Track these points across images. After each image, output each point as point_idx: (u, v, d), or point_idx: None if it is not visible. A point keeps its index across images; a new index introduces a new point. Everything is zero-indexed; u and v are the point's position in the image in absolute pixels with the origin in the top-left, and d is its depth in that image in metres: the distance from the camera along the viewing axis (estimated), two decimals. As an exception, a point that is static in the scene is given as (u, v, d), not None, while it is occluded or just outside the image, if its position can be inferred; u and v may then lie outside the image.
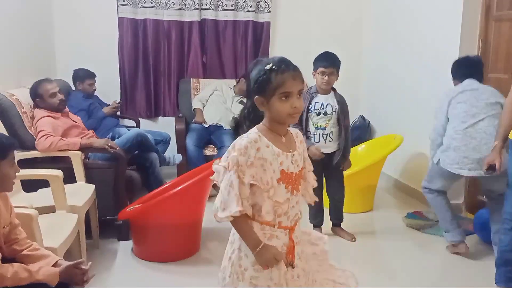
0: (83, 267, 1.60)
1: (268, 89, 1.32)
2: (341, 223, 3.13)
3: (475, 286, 2.47)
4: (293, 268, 1.40)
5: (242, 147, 1.34)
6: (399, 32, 4.20)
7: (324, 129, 2.87)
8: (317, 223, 3.03)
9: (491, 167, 2.40)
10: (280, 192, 1.38)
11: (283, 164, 1.37)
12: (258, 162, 1.34)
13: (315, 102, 2.87)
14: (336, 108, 2.87)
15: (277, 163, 1.36)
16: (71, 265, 1.58)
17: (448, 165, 2.69)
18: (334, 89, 2.92)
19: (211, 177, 1.43)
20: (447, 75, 2.94)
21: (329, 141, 2.88)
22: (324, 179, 3.03)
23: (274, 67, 1.32)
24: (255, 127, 1.40)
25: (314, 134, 2.88)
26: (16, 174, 2.43)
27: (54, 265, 1.60)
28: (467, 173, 2.64)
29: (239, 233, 1.39)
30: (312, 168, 1.53)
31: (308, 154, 1.58)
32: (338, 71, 2.85)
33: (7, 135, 1.60)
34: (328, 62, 2.80)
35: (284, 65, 1.33)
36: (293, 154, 1.40)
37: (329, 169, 2.96)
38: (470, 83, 2.73)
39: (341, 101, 2.91)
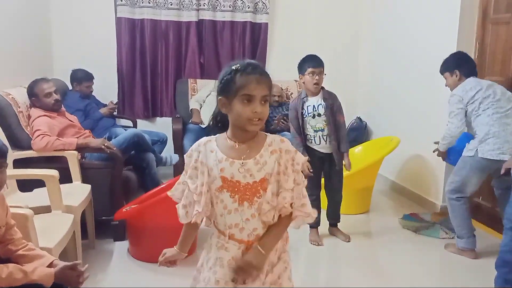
0: (79, 268, 1.59)
1: (231, 90, 1.28)
2: (338, 224, 3.14)
3: (471, 287, 2.48)
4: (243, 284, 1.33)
5: (188, 151, 1.39)
6: (396, 33, 4.20)
7: (323, 130, 2.90)
8: (314, 224, 3.03)
9: (508, 171, 2.41)
10: (225, 200, 1.32)
11: (224, 171, 1.30)
12: (200, 167, 1.34)
13: (307, 106, 2.91)
14: (327, 106, 2.89)
15: (217, 169, 1.31)
16: (67, 266, 1.57)
17: (489, 153, 2.65)
18: (322, 88, 2.94)
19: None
20: (444, 78, 2.95)
21: (329, 142, 2.91)
22: (323, 180, 3.04)
23: (240, 67, 1.28)
24: (219, 134, 1.38)
25: (314, 137, 2.92)
26: (12, 173, 2.44)
27: (50, 265, 1.60)
28: (509, 157, 2.59)
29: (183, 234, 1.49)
30: (291, 186, 1.33)
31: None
32: (324, 71, 2.90)
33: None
34: (316, 62, 2.84)
35: (251, 67, 1.28)
36: (244, 163, 1.30)
37: (330, 169, 2.98)
38: (477, 80, 2.78)
39: (330, 97, 2.92)
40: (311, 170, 2.79)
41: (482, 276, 2.54)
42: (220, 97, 1.32)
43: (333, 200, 3.10)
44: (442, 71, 2.95)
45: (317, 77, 2.83)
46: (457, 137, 2.81)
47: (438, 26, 3.56)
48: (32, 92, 3.00)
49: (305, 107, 2.90)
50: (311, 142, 2.93)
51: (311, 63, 2.84)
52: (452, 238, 3.09)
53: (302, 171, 1.40)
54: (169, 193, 1.44)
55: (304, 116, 2.90)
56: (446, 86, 2.96)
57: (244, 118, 1.27)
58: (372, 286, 2.50)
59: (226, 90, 1.30)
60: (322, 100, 2.89)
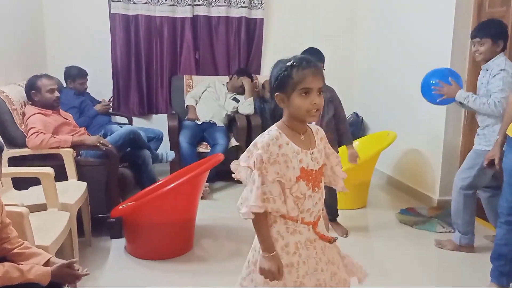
0: (76, 266, 1.58)
1: (288, 85, 1.35)
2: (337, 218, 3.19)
3: (468, 281, 2.49)
4: (335, 241, 1.51)
5: (264, 145, 1.36)
6: (392, 29, 4.20)
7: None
8: (334, 218, 3.13)
9: (491, 163, 2.41)
10: (301, 189, 1.40)
11: (302, 162, 1.39)
12: (282, 159, 1.37)
13: None
14: (325, 100, 2.88)
15: (296, 161, 1.38)
16: (64, 264, 1.56)
17: None
18: None
19: (233, 175, 1.48)
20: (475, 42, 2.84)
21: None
22: None
23: (295, 63, 1.35)
24: (274, 124, 1.42)
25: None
26: (7, 172, 2.42)
27: (46, 263, 1.58)
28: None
29: (256, 232, 1.41)
30: (339, 160, 1.54)
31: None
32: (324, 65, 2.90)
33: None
34: (318, 56, 2.83)
35: (306, 62, 1.36)
36: (313, 152, 1.42)
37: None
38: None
39: (328, 91, 2.90)
40: None
41: (478, 269, 2.54)
42: (277, 93, 1.38)
43: (330, 197, 3.09)
44: (482, 35, 2.59)
45: None
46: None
47: (434, 20, 3.55)
48: (34, 86, 2.97)
49: None
50: None
51: (316, 56, 2.80)
52: (449, 232, 3.11)
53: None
54: (251, 210, 1.36)
55: None
56: (474, 52, 2.69)
57: (303, 111, 1.35)
58: (370, 286, 2.50)
59: (283, 86, 1.36)
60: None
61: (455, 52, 3.35)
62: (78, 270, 1.59)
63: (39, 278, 1.49)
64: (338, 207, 3.16)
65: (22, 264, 1.53)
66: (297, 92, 1.35)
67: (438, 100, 2.80)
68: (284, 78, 1.35)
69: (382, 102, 4.41)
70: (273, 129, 1.40)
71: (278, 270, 1.38)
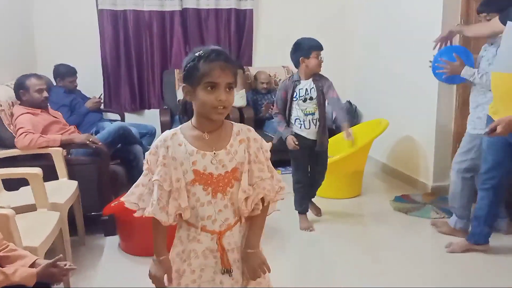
0: (62, 264, 1.57)
1: (194, 77, 1.24)
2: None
3: (464, 268, 2.49)
4: (230, 275, 1.34)
5: (153, 147, 1.31)
6: (383, 18, 4.17)
7: (313, 114, 2.88)
8: (302, 210, 3.04)
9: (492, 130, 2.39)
10: (197, 193, 1.30)
11: (196, 164, 1.27)
12: (169, 162, 1.27)
13: (299, 89, 2.87)
14: (320, 88, 2.87)
15: (189, 163, 1.26)
16: (49, 264, 1.55)
17: None
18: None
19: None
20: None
21: (318, 126, 2.90)
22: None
23: (203, 54, 1.24)
24: (181, 125, 1.34)
25: (304, 121, 2.89)
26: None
27: (32, 265, 1.58)
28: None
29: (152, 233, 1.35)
30: (268, 175, 1.34)
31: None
32: None
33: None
34: (319, 44, 2.85)
35: (215, 54, 1.24)
36: (216, 154, 1.28)
37: (316, 154, 2.98)
38: None
39: (321, 80, 2.90)
40: (297, 143, 2.82)
41: (474, 256, 2.56)
42: (184, 85, 1.28)
43: (316, 183, 3.11)
44: (489, 10, 2.53)
45: (322, 60, 2.86)
46: None
47: (423, 8, 3.52)
48: (22, 85, 2.95)
49: (296, 90, 2.87)
50: (300, 127, 2.89)
51: (317, 46, 2.83)
52: (443, 218, 3.11)
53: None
54: (125, 199, 1.35)
55: (295, 98, 2.87)
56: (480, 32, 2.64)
57: (208, 106, 1.24)
58: (364, 270, 2.50)
59: (189, 78, 1.26)
60: (313, 83, 2.87)
61: (445, 26, 3.30)
62: (65, 266, 1.58)
63: (25, 280, 1.49)
64: (332, 197, 3.14)
65: (6, 267, 1.52)
66: (202, 86, 1.23)
67: (443, 78, 2.74)
68: (191, 69, 1.24)
69: (375, 90, 4.39)
70: (171, 130, 1.32)
71: (163, 276, 1.33)
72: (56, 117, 3.13)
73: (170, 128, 4.26)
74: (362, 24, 4.57)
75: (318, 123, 2.89)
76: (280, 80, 4.68)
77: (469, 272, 2.45)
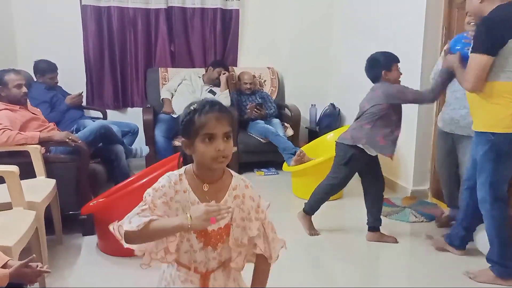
0: (34, 265, 1.54)
1: (191, 131, 1.25)
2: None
3: (442, 269, 2.53)
4: None
5: (158, 186, 1.28)
6: (366, 20, 4.20)
7: None
8: (311, 212, 2.99)
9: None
10: (191, 240, 1.30)
11: None
12: (174, 205, 1.27)
13: None
14: None
15: (189, 211, 1.22)
16: (22, 264, 1.52)
17: None
18: None
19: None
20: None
21: None
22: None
23: (197, 107, 1.25)
24: (184, 166, 1.33)
25: None
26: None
27: (4, 266, 1.54)
28: None
29: (161, 231, 1.23)
30: (254, 233, 1.33)
31: None
32: None
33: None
34: (397, 57, 2.77)
35: (209, 106, 1.25)
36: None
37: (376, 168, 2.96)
38: None
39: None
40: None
41: (457, 260, 2.60)
42: (183, 140, 1.30)
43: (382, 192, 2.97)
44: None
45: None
46: None
47: (406, 13, 3.56)
48: (1, 80, 2.88)
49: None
50: None
51: (396, 58, 2.75)
52: (421, 222, 3.15)
53: None
54: (127, 226, 1.23)
55: None
56: (467, 23, 2.65)
57: (208, 158, 1.24)
58: (340, 274, 2.52)
59: (187, 132, 1.27)
60: None
61: (426, 43, 3.37)
62: (37, 267, 1.55)
63: (-2, 281, 1.47)
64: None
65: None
66: (200, 138, 1.23)
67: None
68: (187, 123, 1.26)
69: (358, 94, 4.39)
70: (175, 173, 1.30)
71: (203, 212, 1.18)
72: (35, 114, 3.08)
73: (153, 127, 4.22)
74: (346, 28, 4.60)
75: None
76: (265, 81, 4.69)
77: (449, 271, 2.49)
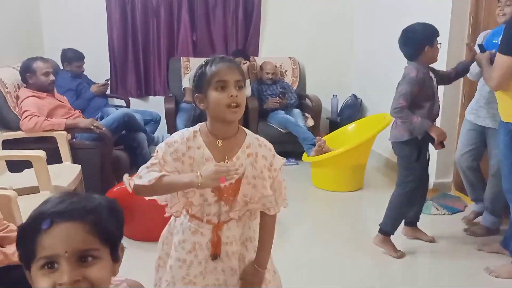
0: None
1: (204, 82, 1.28)
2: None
3: (465, 262, 2.50)
4: (215, 259, 1.38)
5: (171, 140, 1.32)
6: (390, 10, 4.12)
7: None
8: (390, 231, 2.60)
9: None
10: (205, 194, 1.33)
11: None
12: (187, 161, 1.31)
13: (433, 79, 2.47)
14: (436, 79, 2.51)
15: (204, 166, 1.28)
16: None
17: None
18: None
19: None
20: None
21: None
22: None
23: (208, 60, 1.30)
24: (198, 124, 1.36)
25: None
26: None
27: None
28: None
29: (170, 187, 1.28)
30: (269, 193, 1.35)
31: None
32: None
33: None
34: (438, 32, 2.43)
35: (219, 58, 1.30)
36: (227, 164, 1.29)
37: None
38: None
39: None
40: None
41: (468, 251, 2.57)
42: (196, 95, 1.32)
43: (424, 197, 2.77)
44: None
45: (440, 48, 2.45)
46: None
47: (432, 2, 3.48)
48: (29, 68, 2.98)
49: (434, 81, 2.45)
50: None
51: (438, 32, 2.40)
52: (443, 215, 3.11)
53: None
54: (137, 180, 1.28)
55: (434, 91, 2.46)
56: (498, 13, 2.51)
57: (222, 106, 1.26)
58: (359, 264, 2.51)
59: (199, 85, 1.30)
60: (432, 74, 2.48)
61: (453, 32, 3.29)
62: None
63: (24, 261, 1.51)
64: (333, 190, 3.03)
65: (6, 247, 1.54)
66: (212, 87, 1.26)
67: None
68: (199, 77, 1.30)
69: (381, 84, 4.36)
70: (190, 130, 1.34)
71: (212, 171, 1.23)
72: (61, 101, 3.16)
73: (175, 116, 4.28)
74: (369, 18, 4.53)
75: None
76: (286, 71, 4.68)
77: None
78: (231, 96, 1.25)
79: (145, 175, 1.27)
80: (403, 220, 2.70)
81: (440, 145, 2.45)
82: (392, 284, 2.37)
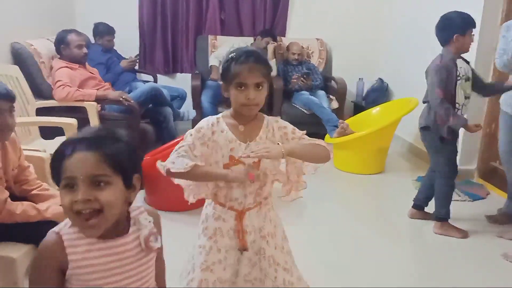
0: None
1: (228, 77, 1.37)
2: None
3: (477, 252, 2.50)
4: (243, 251, 1.43)
5: (198, 127, 1.41)
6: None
7: (469, 98, 2.49)
8: (447, 215, 2.61)
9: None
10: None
11: (233, 151, 1.38)
12: (211, 144, 1.38)
13: (460, 67, 2.43)
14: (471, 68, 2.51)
15: (227, 149, 1.38)
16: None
17: None
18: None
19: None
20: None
21: (465, 114, 2.50)
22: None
23: (235, 56, 1.36)
24: (223, 112, 1.45)
25: (463, 106, 2.45)
26: (34, 121, 2.55)
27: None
28: None
29: (202, 176, 1.37)
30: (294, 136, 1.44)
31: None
32: None
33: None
34: (475, 22, 2.44)
35: (245, 56, 1.35)
36: (248, 144, 1.38)
37: None
38: None
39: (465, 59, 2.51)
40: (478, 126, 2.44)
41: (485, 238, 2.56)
42: (222, 83, 1.41)
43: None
44: None
45: (473, 40, 2.46)
46: None
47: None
48: (64, 40, 3.08)
49: (459, 68, 2.42)
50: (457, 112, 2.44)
51: (473, 23, 2.42)
52: (464, 201, 3.09)
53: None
54: (170, 165, 1.34)
55: (459, 78, 2.41)
56: None
57: (239, 104, 1.37)
58: (376, 248, 2.54)
59: (224, 77, 1.39)
60: (467, 63, 2.49)
61: (486, 15, 3.20)
62: None
63: (56, 217, 1.61)
64: (355, 172, 2.94)
65: (39, 204, 1.65)
66: (233, 85, 1.35)
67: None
68: (225, 70, 1.38)
69: (408, 69, 4.30)
70: (214, 117, 1.43)
71: (242, 172, 1.35)
72: (92, 73, 3.26)
73: (200, 93, 4.34)
74: (399, 2, 4.44)
75: (466, 110, 2.49)
76: (312, 52, 4.66)
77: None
78: (248, 98, 1.34)
79: (177, 161, 1.34)
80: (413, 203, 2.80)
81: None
82: (408, 265, 2.39)
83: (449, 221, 2.64)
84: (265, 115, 1.46)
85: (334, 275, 2.20)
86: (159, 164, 1.39)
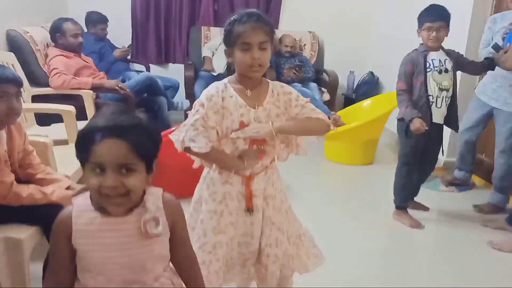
0: None
1: (231, 40, 1.36)
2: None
3: (464, 238, 2.60)
4: (251, 214, 1.46)
5: (209, 95, 1.39)
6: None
7: (448, 90, 2.48)
8: (403, 205, 2.73)
9: None
10: (237, 142, 1.42)
11: (243, 116, 1.40)
12: (222, 111, 1.39)
13: (432, 59, 2.46)
14: (452, 62, 2.49)
15: (237, 114, 1.39)
16: (84, 188, 1.69)
17: None
18: (441, 47, 2.52)
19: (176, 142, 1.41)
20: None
21: (449, 106, 2.51)
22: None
23: (237, 17, 1.35)
24: (227, 77, 1.45)
25: (437, 98, 2.47)
26: (31, 107, 2.56)
27: (67, 188, 1.73)
28: None
29: (217, 161, 1.43)
30: (293, 113, 1.47)
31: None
32: (448, 25, 2.43)
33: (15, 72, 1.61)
34: (434, 16, 2.41)
35: (247, 16, 1.34)
36: (257, 110, 1.41)
37: (432, 142, 2.63)
38: None
39: (453, 54, 2.52)
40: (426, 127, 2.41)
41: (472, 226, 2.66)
42: (225, 48, 1.41)
43: (425, 174, 2.81)
44: None
45: (434, 33, 2.40)
46: None
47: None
48: (59, 29, 3.07)
49: (429, 60, 2.46)
50: (431, 105, 2.48)
51: (429, 16, 2.41)
52: (452, 192, 3.20)
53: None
54: (191, 143, 1.36)
55: (428, 70, 2.45)
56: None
57: (245, 65, 1.36)
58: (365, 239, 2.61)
59: (228, 41, 1.38)
60: (447, 55, 2.49)
61: (476, 8, 3.28)
62: None
63: (62, 200, 1.63)
64: (344, 163, 3.09)
65: (45, 188, 1.67)
66: (237, 47, 1.34)
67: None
68: (228, 33, 1.37)
69: (398, 62, 4.33)
70: (222, 82, 1.43)
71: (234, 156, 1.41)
72: (87, 62, 3.26)
73: (193, 83, 4.35)
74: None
75: (449, 102, 2.51)
76: (305, 45, 4.72)
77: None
78: (253, 58, 1.34)
79: (197, 139, 1.35)
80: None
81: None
82: (394, 253, 2.46)
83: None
84: (269, 81, 1.47)
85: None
86: (173, 137, 1.40)
